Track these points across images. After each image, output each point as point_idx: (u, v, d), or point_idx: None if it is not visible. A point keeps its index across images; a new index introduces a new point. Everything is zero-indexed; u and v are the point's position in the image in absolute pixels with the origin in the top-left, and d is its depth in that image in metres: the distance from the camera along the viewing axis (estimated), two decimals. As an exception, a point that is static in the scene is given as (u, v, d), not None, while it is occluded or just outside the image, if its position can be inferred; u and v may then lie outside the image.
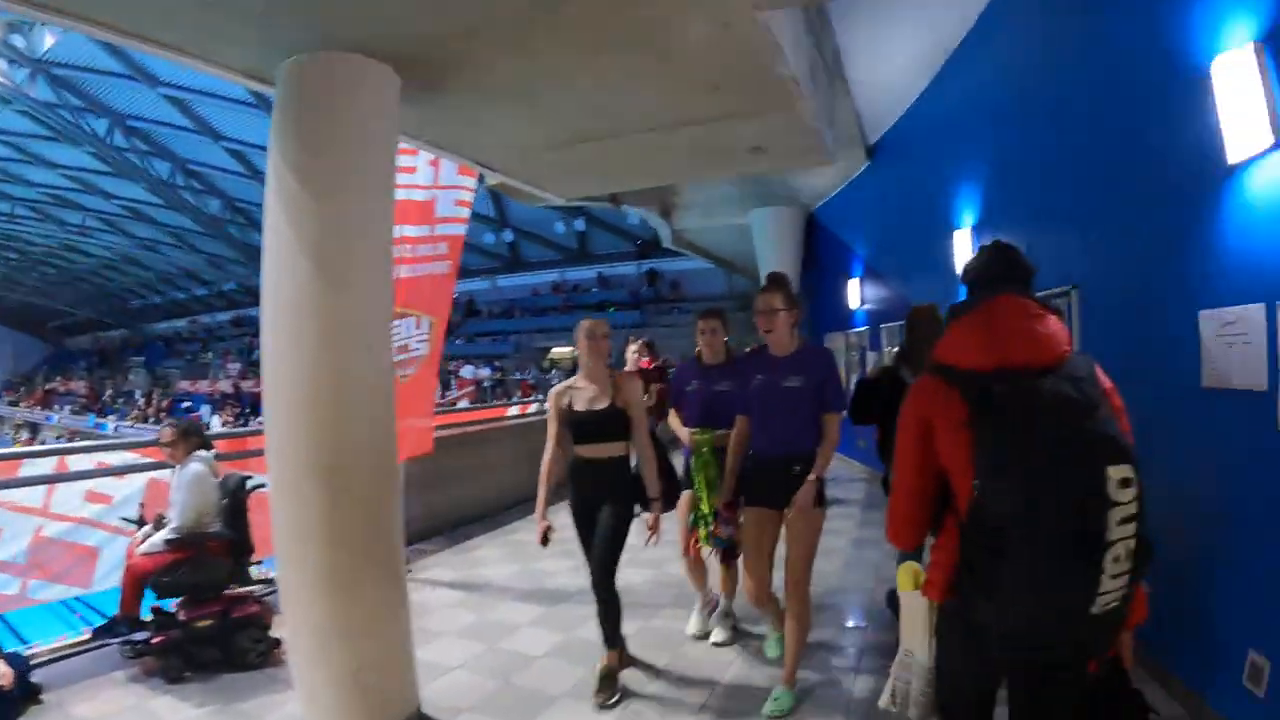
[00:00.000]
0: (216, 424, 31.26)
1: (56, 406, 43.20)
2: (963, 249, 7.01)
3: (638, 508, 4.20)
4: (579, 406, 4.15)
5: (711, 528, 4.51)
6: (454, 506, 8.38)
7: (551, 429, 4.21)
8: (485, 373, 28.57)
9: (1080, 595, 1.80)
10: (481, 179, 7.03)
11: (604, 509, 4.10)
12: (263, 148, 17.05)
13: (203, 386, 38.46)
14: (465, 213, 7.09)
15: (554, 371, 27.44)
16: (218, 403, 34.90)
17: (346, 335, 3.49)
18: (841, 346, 12.18)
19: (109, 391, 43.39)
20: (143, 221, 34.34)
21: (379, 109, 3.69)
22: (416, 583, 6.29)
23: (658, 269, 30.24)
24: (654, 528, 4.15)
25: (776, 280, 4.00)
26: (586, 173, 6.43)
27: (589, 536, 4.15)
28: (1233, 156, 3.20)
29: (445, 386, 28.98)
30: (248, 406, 33.21)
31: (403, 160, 6.37)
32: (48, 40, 20.18)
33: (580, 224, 28.96)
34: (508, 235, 31.17)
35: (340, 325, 3.47)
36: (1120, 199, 4.34)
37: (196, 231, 33.53)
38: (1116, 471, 1.79)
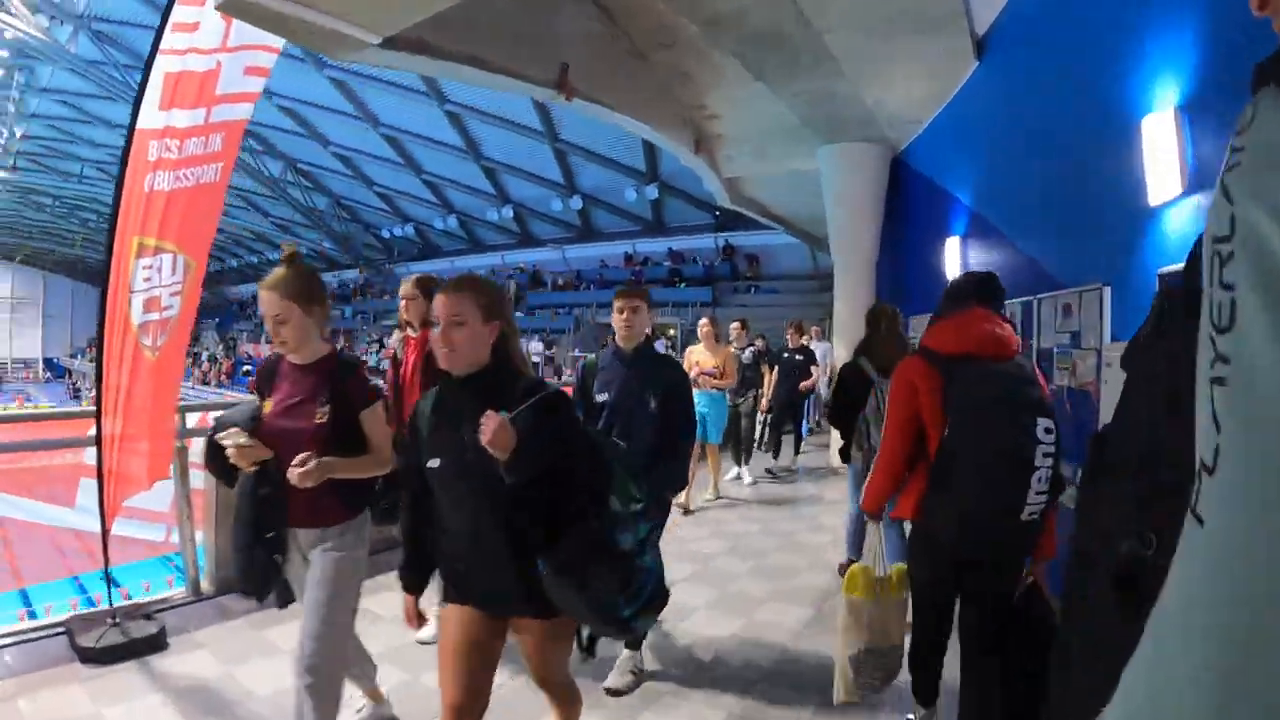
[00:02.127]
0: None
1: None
2: (1163, 141, 3.86)
3: None
4: None
5: None
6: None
7: None
8: (536, 347, 25.90)
9: (1015, 501, 2.66)
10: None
11: None
12: (318, 105, 16.33)
13: (265, 350, 37.41)
14: (257, 86, 4.58)
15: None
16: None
17: None
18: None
19: (179, 351, 43.46)
20: (207, 183, 33.20)
21: None
22: None
23: (736, 243, 26.88)
24: None
25: None
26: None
27: None
28: None
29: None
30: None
31: (182, 13, 4.24)
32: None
33: (653, 191, 25.70)
34: (576, 202, 28.25)
35: None
36: None
37: (260, 194, 32.13)
38: (1043, 422, 2.71)
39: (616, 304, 3.88)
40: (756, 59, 6.95)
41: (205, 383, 36.47)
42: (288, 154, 29.56)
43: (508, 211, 29.97)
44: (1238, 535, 0.51)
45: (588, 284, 30.50)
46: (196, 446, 4.79)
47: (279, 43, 4.46)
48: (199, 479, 4.90)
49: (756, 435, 10.23)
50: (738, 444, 9.31)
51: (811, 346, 11.20)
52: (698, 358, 7.69)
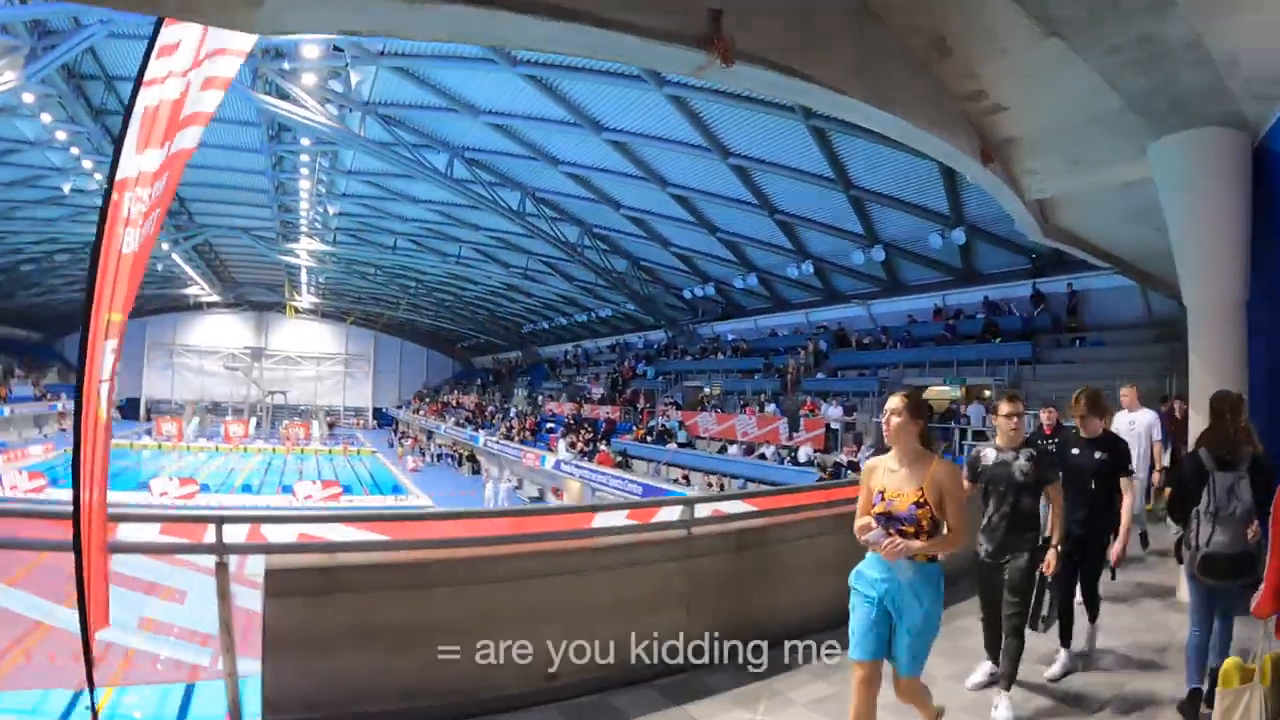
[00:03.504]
0: (562, 448, 31.48)
1: (447, 417, 50.09)
2: None
3: None
4: None
5: None
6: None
7: None
8: (834, 413, 24.18)
9: None
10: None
11: None
12: (603, 169, 17.59)
13: (566, 408, 39.36)
14: (211, 104, 3.96)
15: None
16: (569, 426, 35.42)
17: None
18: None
19: (490, 407, 48.42)
20: (513, 250, 36.09)
21: None
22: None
23: (1056, 289, 23.51)
24: None
25: None
26: None
27: None
28: None
29: (794, 428, 25.08)
30: (600, 432, 32.49)
31: (166, 35, 3.66)
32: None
33: (959, 236, 23.19)
34: (878, 253, 26.46)
35: None
36: None
37: (564, 259, 33.77)
38: None
39: None
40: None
41: (509, 437, 39.38)
42: (583, 219, 30.71)
43: (808, 267, 28.87)
44: None
45: (895, 342, 28.42)
46: (253, 565, 4.33)
47: (245, 45, 3.92)
48: (253, 599, 4.31)
49: (1044, 609, 5.13)
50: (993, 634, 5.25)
51: (1131, 418, 8.40)
52: (881, 483, 4.00)
